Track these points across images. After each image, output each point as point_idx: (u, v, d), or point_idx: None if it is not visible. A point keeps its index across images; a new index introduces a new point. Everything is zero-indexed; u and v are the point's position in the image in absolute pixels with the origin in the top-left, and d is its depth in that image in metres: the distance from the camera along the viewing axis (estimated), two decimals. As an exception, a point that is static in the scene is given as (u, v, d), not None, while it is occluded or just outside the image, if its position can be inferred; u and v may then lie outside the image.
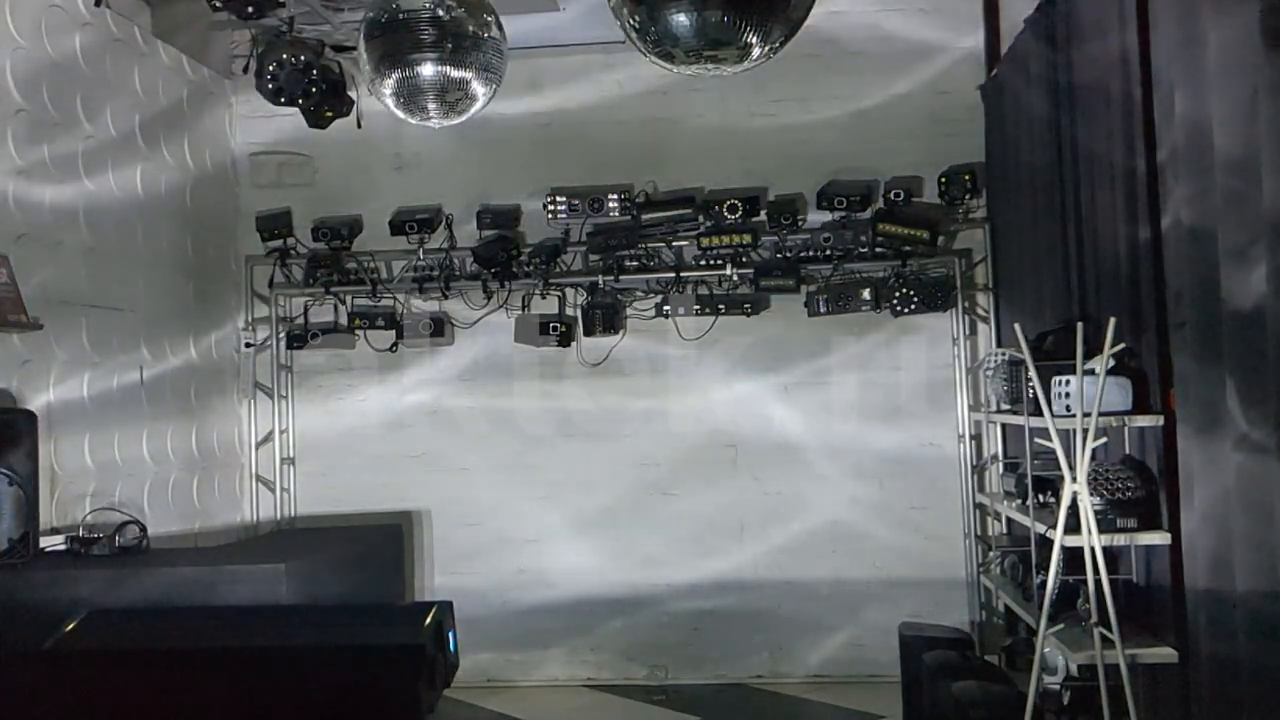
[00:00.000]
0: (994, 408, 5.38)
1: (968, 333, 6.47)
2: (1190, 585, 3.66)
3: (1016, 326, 4.21)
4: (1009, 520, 5.67)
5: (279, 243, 6.76)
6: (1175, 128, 3.61)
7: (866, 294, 6.25)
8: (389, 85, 4.23)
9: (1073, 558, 4.01)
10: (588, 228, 6.59)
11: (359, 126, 6.37)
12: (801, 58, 6.34)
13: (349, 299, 6.80)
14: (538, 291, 6.66)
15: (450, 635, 3.84)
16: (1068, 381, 4.08)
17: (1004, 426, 6.09)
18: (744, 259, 6.43)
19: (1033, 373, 4.11)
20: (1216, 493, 3.43)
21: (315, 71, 5.57)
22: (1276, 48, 3.02)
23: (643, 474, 6.67)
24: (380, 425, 6.86)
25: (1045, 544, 4.15)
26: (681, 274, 6.50)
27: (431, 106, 4.29)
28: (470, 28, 4.19)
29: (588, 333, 6.57)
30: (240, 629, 3.83)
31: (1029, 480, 4.49)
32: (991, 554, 5.74)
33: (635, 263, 6.53)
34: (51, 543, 4.70)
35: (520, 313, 6.74)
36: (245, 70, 5.96)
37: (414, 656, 3.46)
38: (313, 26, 6.03)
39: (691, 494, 6.63)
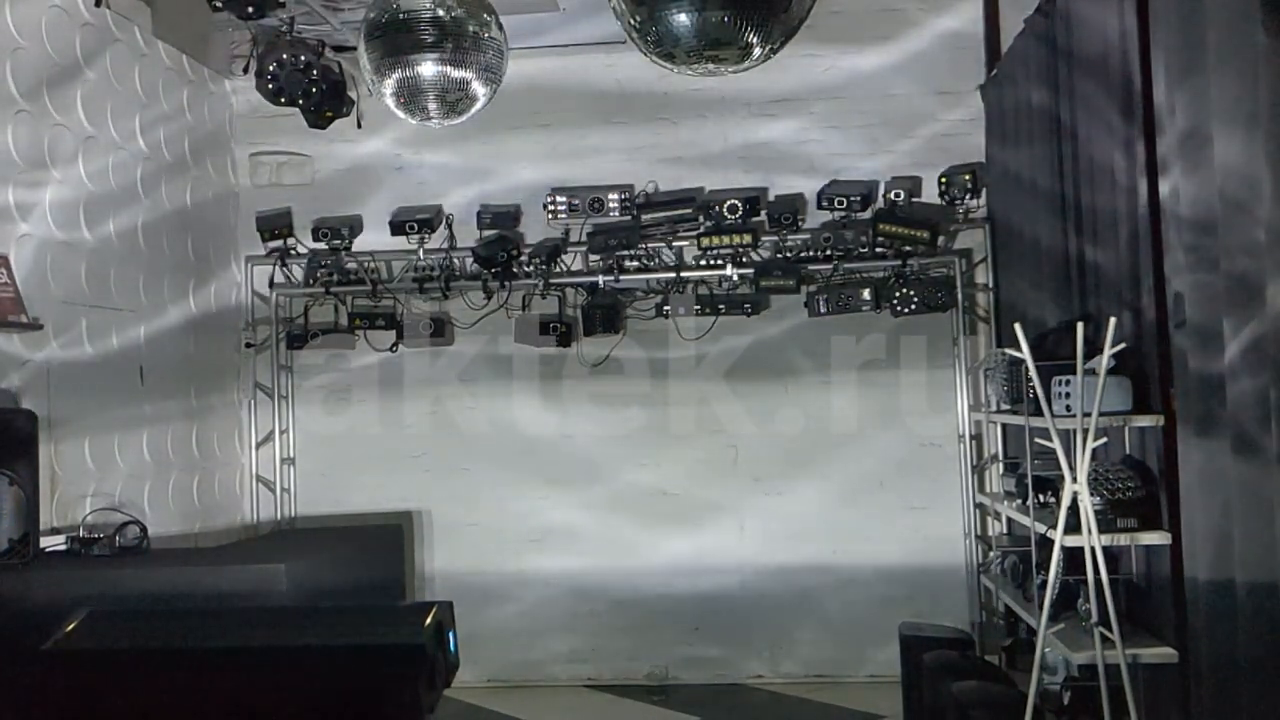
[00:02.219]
0: (994, 408, 5.39)
1: (968, 333, 6.47)
2: (1190, 585, 3.65)
3: (1016, 326, 4.20)
4: (1009, 520, 5.67)
5: (279, 243, 6.76)
6: (1175, 126, 3.61)
7: (866, 294, 6.26)
8: (389, 85, 4.23)
9: (1073, 558, 4.01)
10: (588, 228, 6.59)
11: (359, 126, 6.38)
12: (802, 57, 6.38)
13: (349, 299, 6.79)
14: (538, 291, 6.65)
15: (450, 635, 3.83)
16: (1068, 381, 4.08)
17: (1004, 426, 6.09)
18: (744, 259, 6.43)
19: (1033, 373, 4.11)
20: (1216, 492, 3.42)
21: (315, 71, 5.58)
22: (1277, 43, 3.02)
23: (642, 474, 6.67)
24: (380, 425, 6.85)
25: (1045, 544, 4.15)
26: (681, 274, 6.50)
27: (432, 106, 4.30)
28: (470, 28, 4.20)
29: (588, 333, 6.57)
30: (240, 629, 3.81)
31: (1029, 480, 4.49)
32: (991, 554, 5.75)
33: (635, 263, 6.53)
34: (51, 543, 4.70)
35: (520, 313, 6.74)
36: (245, 70, 5.98)
37: (414, 656, 3.45)
38: (313, 26, 6.03)
39: (692, 494, 6.63)
